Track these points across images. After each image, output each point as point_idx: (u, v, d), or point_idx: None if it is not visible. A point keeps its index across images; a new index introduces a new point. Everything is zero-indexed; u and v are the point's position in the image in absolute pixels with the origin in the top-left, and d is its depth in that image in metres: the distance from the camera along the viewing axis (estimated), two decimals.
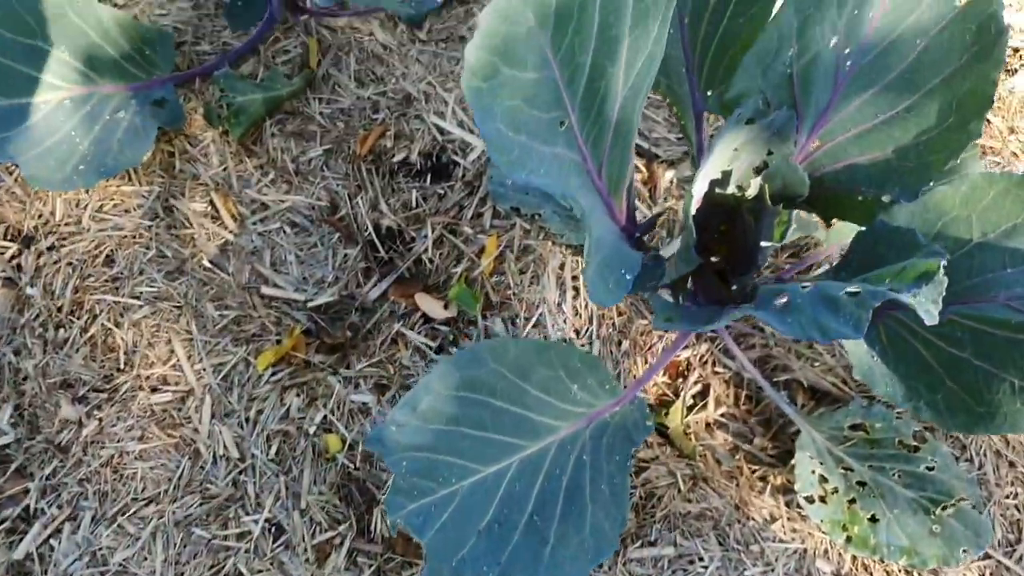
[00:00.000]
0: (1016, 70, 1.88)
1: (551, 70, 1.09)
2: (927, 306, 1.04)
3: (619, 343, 1.59)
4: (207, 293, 1.64)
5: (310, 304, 1.66)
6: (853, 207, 1.34)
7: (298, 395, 1.55)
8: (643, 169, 1.77)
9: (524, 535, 1.24)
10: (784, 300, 1.12)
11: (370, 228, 1.71)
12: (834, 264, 1.32)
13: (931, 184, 1.30)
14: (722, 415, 1.55)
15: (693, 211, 1.30)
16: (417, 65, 1.87)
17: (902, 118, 1.30)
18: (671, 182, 1.76)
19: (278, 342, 1.61)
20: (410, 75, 1.86)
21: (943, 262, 1.08)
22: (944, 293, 1.04)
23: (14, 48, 1.65)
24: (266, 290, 1.66)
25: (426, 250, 1.69)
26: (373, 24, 1.94)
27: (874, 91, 1.30)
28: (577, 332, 1.58)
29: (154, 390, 1.55)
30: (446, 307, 1.64)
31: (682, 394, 1.55)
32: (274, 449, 1.51)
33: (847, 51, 1.26)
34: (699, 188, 1.30)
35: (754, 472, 1.49)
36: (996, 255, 1.23)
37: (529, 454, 1.29)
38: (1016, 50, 1.90)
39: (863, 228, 1.29)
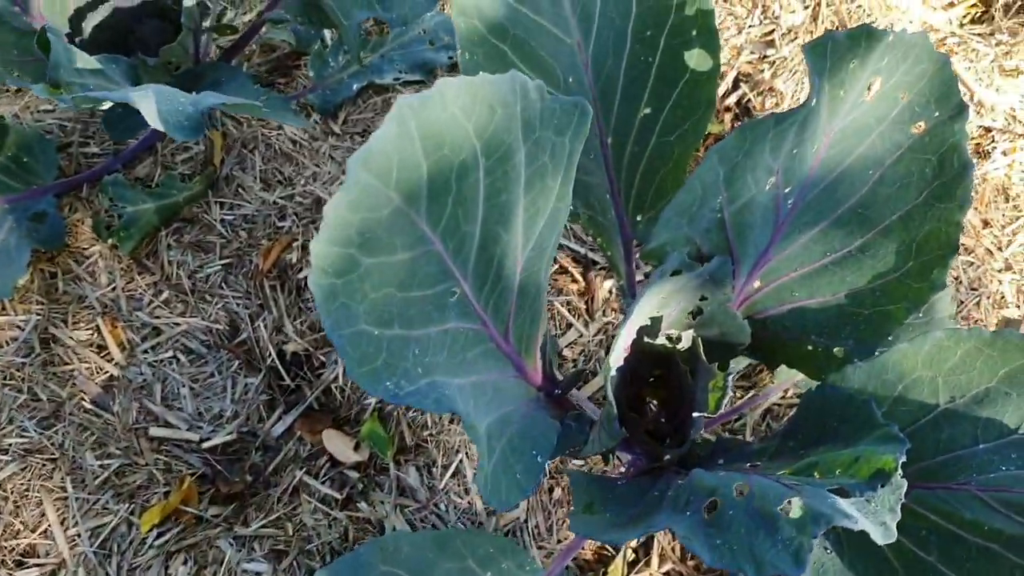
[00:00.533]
0: (988, 153, 1.71)
1: (430, 244, 0.91)
2: (883, 516, 0.88)
3: (550, 490, 1.41)
4: (87, 440, 1.45)
5: (205, 444, 1.47)
6: (802, 357, 1.17)
7: (185, 562, 1.37)
8: (580, 279, 1.60)
9: None
10: (714, 511, 0.94)
11: (273, 354, 1.53)
12: (781, 430, 1.15)
13: (890, 337, 1.13)
14: (666, 573, 1.37)
15: (613, 371, 1.13)
16: (330, 163, 1.69)
17: (855, 258, 1.13)
18: (610, 292, 1.58)
19: (166, 494, 1.42)
20: (321, 175, 1.68)
21: (901, 457, 0.91)
22: (903, 487, 0.88)
23: None
24: (155, 431, 1.47)
25: (336, 377, 1.51)
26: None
27: (822, 227, 1.13)
28: None
29: (19, 564, 1.36)
30: (356, 448, 1.45)
31: (622, 549, 1.38)
32: None
33: (787, 189, 1.09)
34: (623, 342, 1.12)
35: None
36: (966, 426, 1.05)
37: None
38: (988, 130, 1.73)
39: (814, 387, 1.12)
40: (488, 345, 1.05)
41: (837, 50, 0.99)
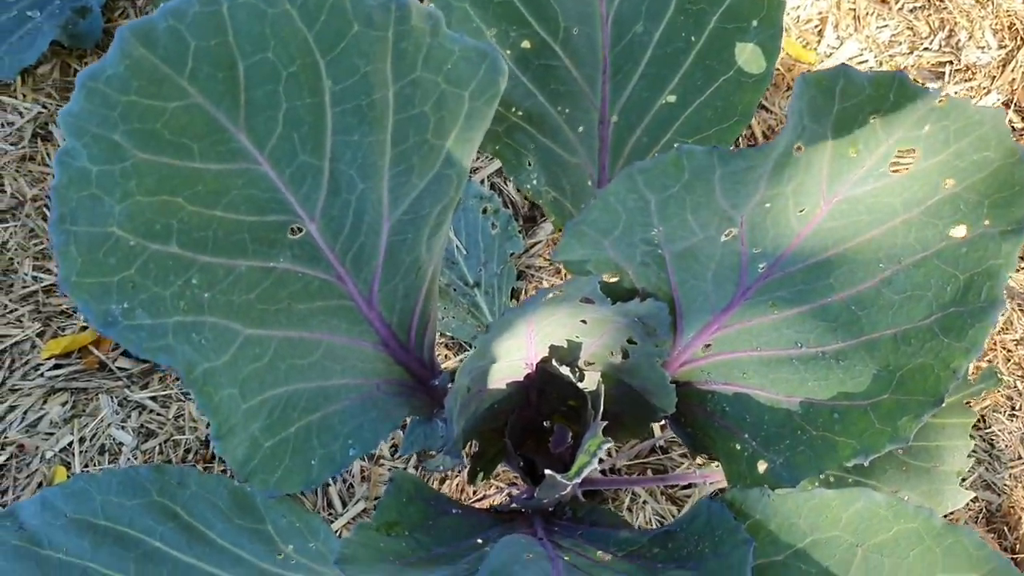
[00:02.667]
0: None
1: (254, 164, 0.74)
2: None
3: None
4: (32, 248, 1.39)
5: None
6: (728, 454, 0.93)
7: (64, 403, 1.30)
8: None
9: None
10: None
11: None
12: (660, 530, 0.92)
13: (820, 475, 0.87)
14: None
15: (496, 385, 0.93)
16: None
17: (827, 364, 0.87)
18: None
19: (84, 329, 1.35)
20: None
21: None
22: None
23: None
24: None
25: None
26: None
27: (802, 310, 0.87)
28: (393, 449, 1.24)
29: None
30: None
31: None
32: (1, 460, 1.27)
33: (757, 250, 0.84)
34: (513, 354, 0.92)
35: None
36: None
37: None
38: None
39: (715, 493, 0.88)
40: (344, 302, 0.87)
41: (853, 94, 0.72)
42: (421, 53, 0.72)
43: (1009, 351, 1.31)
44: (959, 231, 0.80)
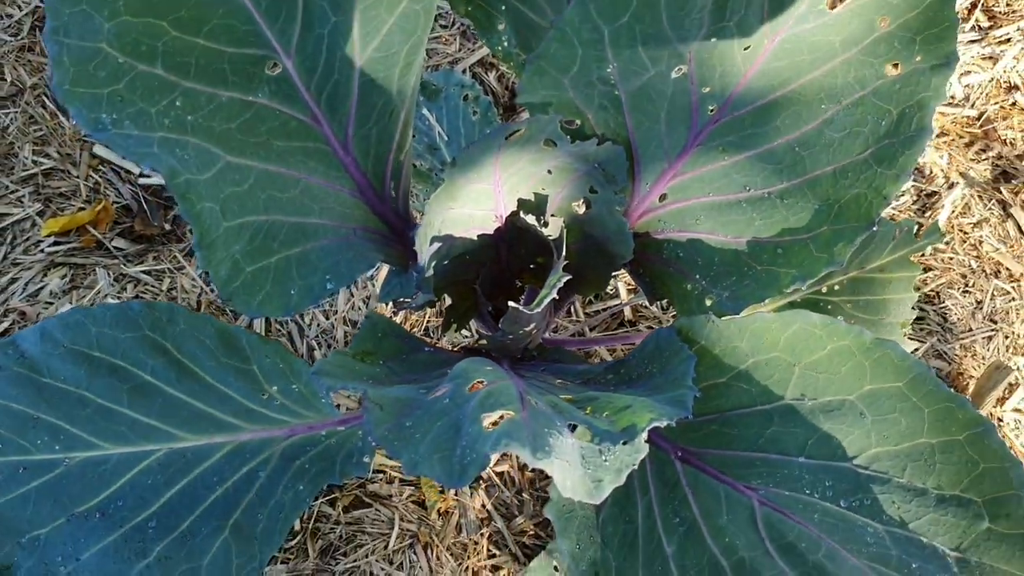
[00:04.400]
0: None
1: None
2: (602, 474, 0.73)
3: None
4: (31, 133, 1.45)
5: (142, 180, 1.45)
6: (681, 296, 1.00)
7: (62, 276, 1.36)
8: None
9: (122, 538, 1.02)
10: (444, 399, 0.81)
11: None
12: (615, 361, 0.98)
13: (764, 301, 0.94)
14: (497, 472, 1.25)
15: (465, 233, 0.99)
16: None
17: (772, 203, 0.93)
18: None
19: (81, 210, 1.41)
20: None
21: (661, 422, 0.75)
22: (641, 452, 0.72)
23: None
24: (101, 150, 1.46)
25: None
26: None
27: (750, 154, 0.93)
28: (366, 301, 1.31)
29: None
30: None
31: None
32: (3, 327, 1.33)
33: (706, 90, 0.89)
34: (481, 201, 0.99)
35: (490, 558, 1.20)
36: (800, 432, 0.87)
37: (183, 447, 1.05)
38: None
39: (665, 327, 0.95)
40: (320, 145, 0.93)
41: None
42: None
43: (966, 233, 1.37)
44: (893, 69, 0.85)
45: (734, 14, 0.83)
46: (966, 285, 1.33)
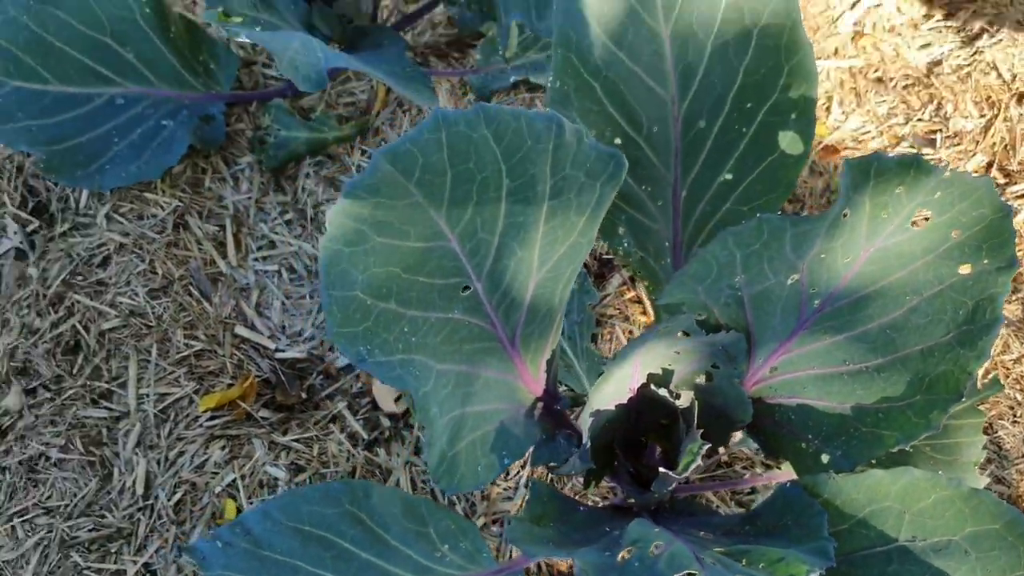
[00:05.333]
0: None
1: (446, 241, 1.01)
2: None
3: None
4: (182, 319, 1.66)
5: (278, 355, 1.65)
6: (796, 452, 1.19)
7: (222, 448, 1.55)
8: (651, 312, 1.65)
9: None
10: (627, 559, 1.00)
11: None
12: (748, 513, 1.17)
13: (873, 460, 1.13)
14: None
15: (595, 408, 1.19)
16: None
17: (870, 376, 1.13)
18: None
19: (230, 386, 1.61)
20: None
21: (815, 572, 0.93)
22: None
23: (79, 40, 1.70)
24: (241, 330, 1.66)
25: None
26: (442, 87, 1.89)
27: (847, 335, 1.14)
28: (506, 473, 1.49)
29: (94, 403, 1.58)
30: (397, 400, 1.59)
31: None
32: (177, 497, 1.51)
33: (813, 290, 1.11)
34: (613, 386, 1.19)
35: None
36: (916, 569, 1.05)
37: None
38: None
39: (789, 481, 1.14)
40: (494, 344, 1.14)
41: (883, 172, 1.00)
42: (569, 157, 1.00)
43: (1008, 369, 1.57)
44: (965, 269, 1.07)
45: (840, 237, 1.05)
46: (1014, 416, 1.53)
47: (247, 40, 1.33)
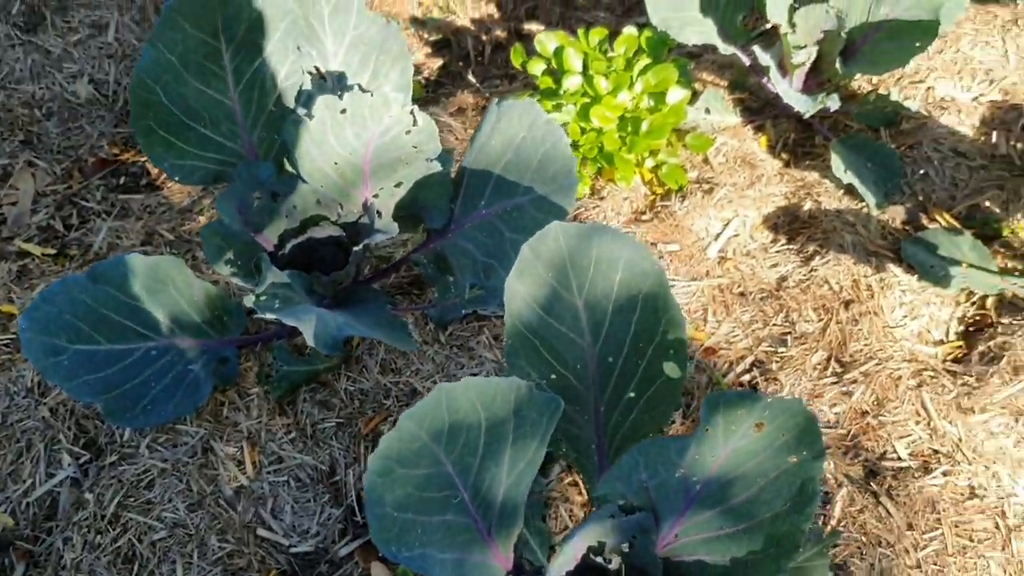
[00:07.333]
0: (931, 470, 2.15)
1: (444, 467, 1.49)
2: None
3: None
4: (215, 526, 2.07)
5: (292, 550, 2.07)
6: None
7: None
8: (586, 495, 2.13)
9: None
10: None
11: (354, 496, 2.12)
12: None
13: None
14: None
15: (561, 572, 1.65)
16: (431, 364, 2.32)
17: (739, 536, 1.62)
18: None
19: None
20: (422, 372, 2.30)
21: None
22: None
23: (122, 307, 2.17)
24: (261, 531, 2.08)
25: None
26: (408, 320, 2.40)
27: (721, 509, 1.64)
28: None
29: None
30: None
31: None
32: None
33: (695, 479, 1.62)
34: (566, 557, 1.66)
35: None
36: None
37: None
38: (936, 452, 2.18)
39: None
40: (477, 535, 1.60)
41: (728, 402, 1.53)
42: (525, 403, 1.50)
43: (854, 518, 2.09)
44: (793, 459, 1.58)
45: (707, 443, 1.56)
46: (861, 554, 2.03)
47: (275, 317, 1.82)
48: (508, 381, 1.48)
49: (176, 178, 2.18)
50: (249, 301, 1.87)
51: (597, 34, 2.96)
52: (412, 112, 2.02)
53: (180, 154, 2.15)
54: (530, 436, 1.54)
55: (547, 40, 2.91)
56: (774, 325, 2.42)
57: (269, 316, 1.84)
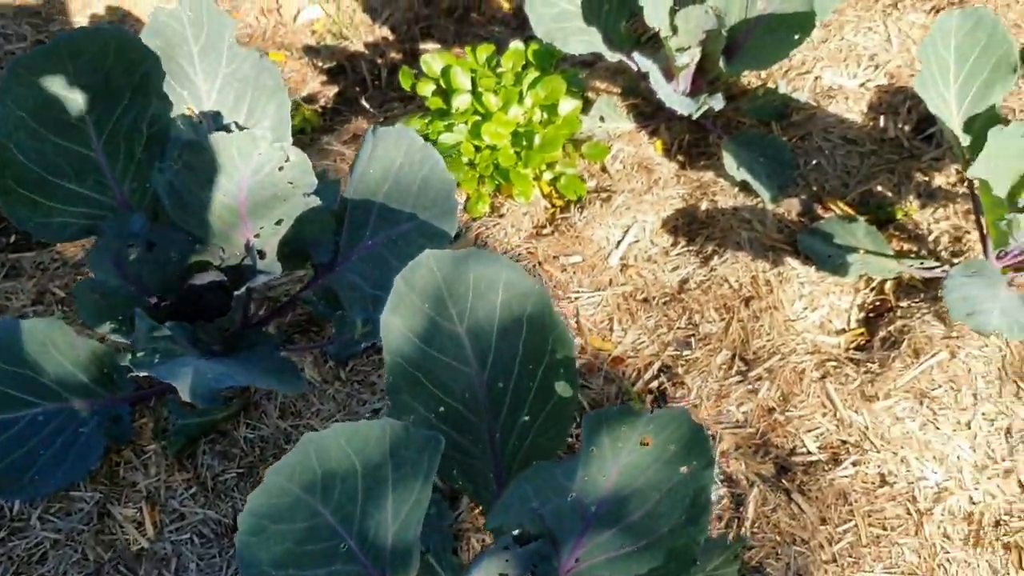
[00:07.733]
0: (840, 461, 2.15)
1: (324, 517, 1.44)
2: None
3: None
4: None
5: None
6: None
7: None
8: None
9: None
10: None
11: None
12: None
13: None
14: None
15: None
16: (331, 403, 2.26)
17: (640, 553, 1.59)
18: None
19: None
20: (323, 412, 2.24)
21: None
22: None
23: (2, 375, 2.08)
24: None
25: None
26: (307, 359, 2.34)
27: (620, 527, 1.60)
28: None
29: None
30: None
31: None
32: None
33: (588, 500, 1.58)
34: None
35: None
36: None
37: None
38: (844, 442, 2.18)
39: None
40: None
41: (610, 420, 1.50)
42: (402, 443, 1.45)
43: (768, 517, 2.07)
44: (685, 469, 1.56)
45: (594, 463, 1.53)
46: (776, 554, 2.02)
47: (153, 375, 1.75)
48: (380, 423, 1.44)
49: (44, 238, 2.09)
50: (125, 360, 1.80)
51: (484, 50, 2.93)
52: (283, 148, 1.97)
53: (46, 212, 2.07)
54: (411, 477, 1.49)
55: (433, 61, 2.87)
56: (678, 328, 2.41)
57: (143, 374, 1.77)
